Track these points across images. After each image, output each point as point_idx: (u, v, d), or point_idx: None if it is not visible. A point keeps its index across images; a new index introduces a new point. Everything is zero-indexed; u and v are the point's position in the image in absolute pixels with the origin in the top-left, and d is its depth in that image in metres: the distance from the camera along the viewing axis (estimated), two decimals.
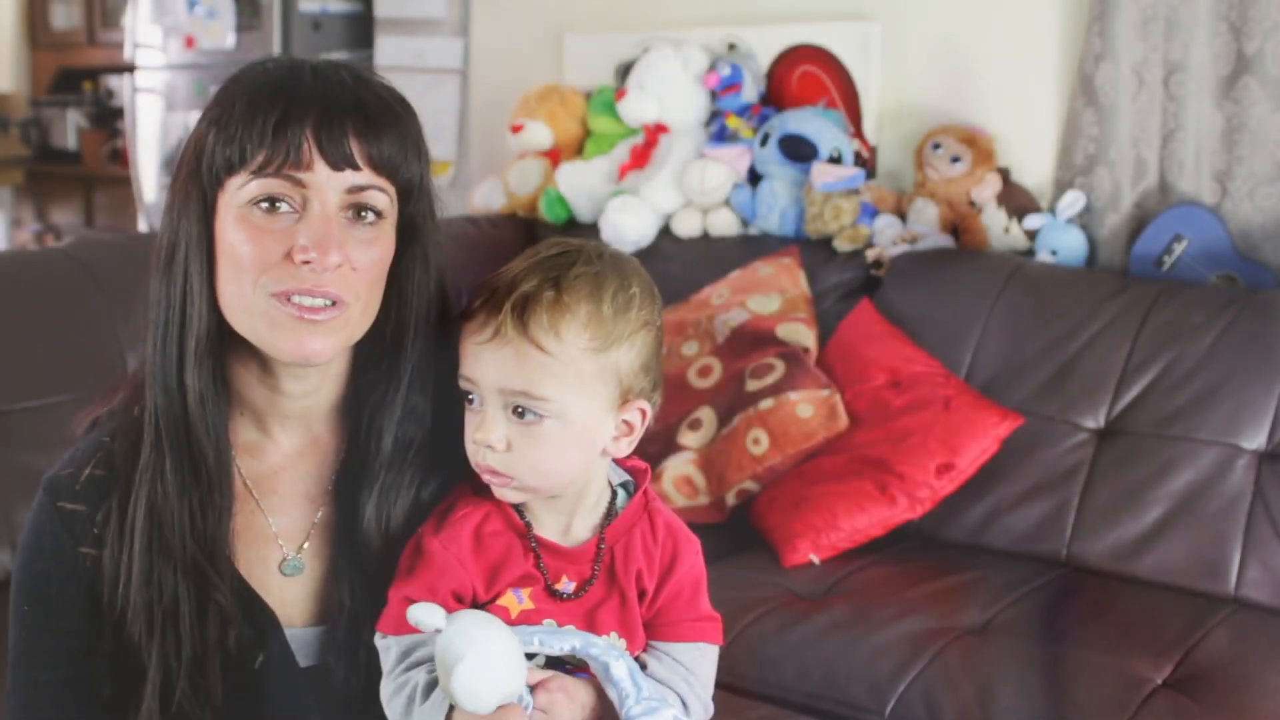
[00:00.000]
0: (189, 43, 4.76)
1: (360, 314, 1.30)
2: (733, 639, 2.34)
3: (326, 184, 1.25)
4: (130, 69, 5.16)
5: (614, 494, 1.34)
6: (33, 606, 1.34)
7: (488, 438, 1.24)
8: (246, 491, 1.38)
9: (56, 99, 6.70)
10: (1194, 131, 2.92)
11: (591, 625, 1.28)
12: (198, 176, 1.28)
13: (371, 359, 1.36)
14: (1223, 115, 2.88)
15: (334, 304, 1.27)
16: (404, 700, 1.24)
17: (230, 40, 4.59)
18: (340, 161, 1.25)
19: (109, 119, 6.45)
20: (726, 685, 2.27)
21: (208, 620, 1.31)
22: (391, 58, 4.30)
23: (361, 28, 4.52)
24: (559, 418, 1.24)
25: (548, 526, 1.30)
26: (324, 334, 1.27)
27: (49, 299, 2.71)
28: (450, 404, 1.33)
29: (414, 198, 1.34)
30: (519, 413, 1.24)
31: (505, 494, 1.26)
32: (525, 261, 1.27)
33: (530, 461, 1.24)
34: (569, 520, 1.30)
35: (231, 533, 1.34)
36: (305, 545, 1.39)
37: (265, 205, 1.26)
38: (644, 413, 1.30)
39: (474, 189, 3.90)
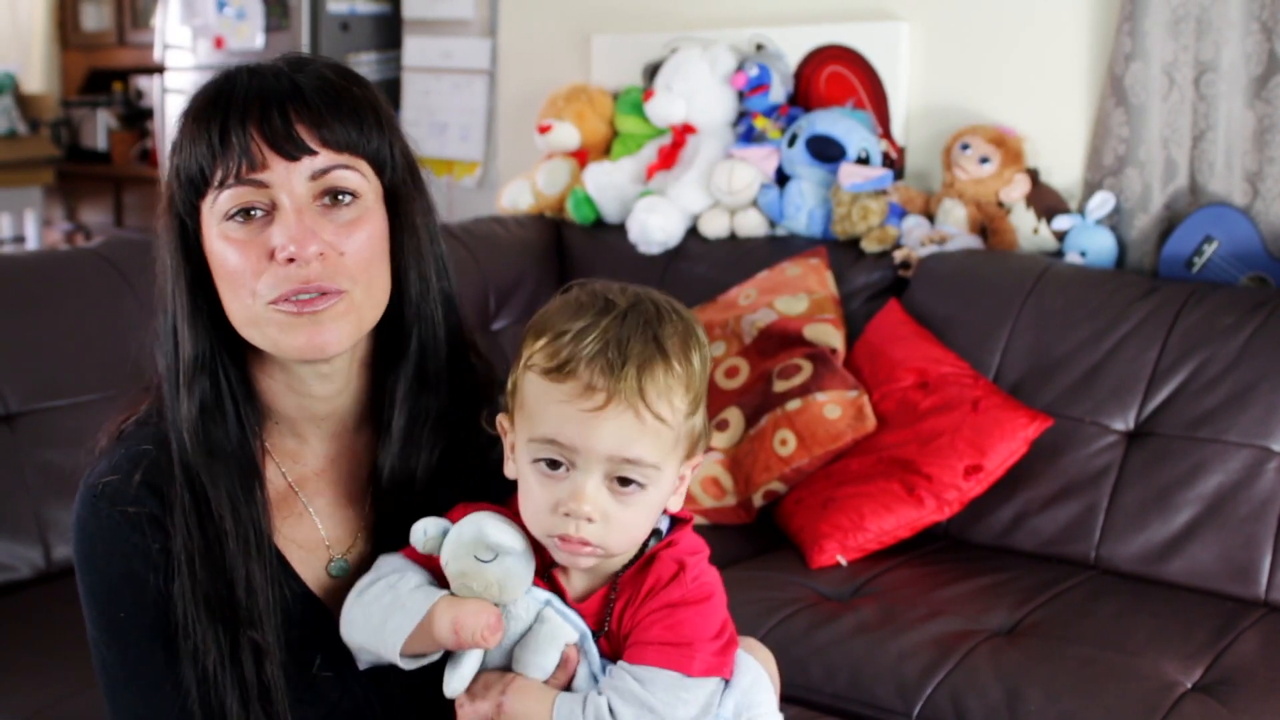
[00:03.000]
0: (218, 43, 4.78)
1: (364, 297, 1.29)
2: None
3: (288, 177, 1.24)
4: (160, 70, 5.19)
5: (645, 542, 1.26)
6: (129, 611, 1.30)
7: (583, 509, 1.16)
8: (294, 494, 1.38)
9: (87, 99, 6.74)
10: (1225, 132, 2.91)
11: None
12: (172, 207, 1.29)
13: (383, 342, 1.35)
14: (1254, 115, 2.87)
15: (327, 294, 1.26)
16: (382, 587, 1.24)
17: (259, 41, 4.61)
18: (293, 151, 1.24)
19: (139, 119, 6.49)
20: None
21: (241, 656, 1.29)
22: (419, 58, 4.31)
23: (390, 28, 4.53)
24: (654, 484, 1.19)
25: (575, 580, 1.24)
26: (331, 322, 1.26)
27: (79, 298, 2.72)
28: (462, 373, 1.33)
29: (389, 168, 1.32)
30: (623, 481, 1.17)
31: (580, 561, 1.20)
32: (603, 316, 1.19)
33: (622, 530, 1.18)
34: (605, 571, 1.24)
35: (271, 534, 1.34)
36: (353, 546, 1.39)
37: (239, 217, 1.25)
38: (696, 467, 1.26)
39: (502, 189, 3.91)
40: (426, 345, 1.35)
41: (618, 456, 1.16)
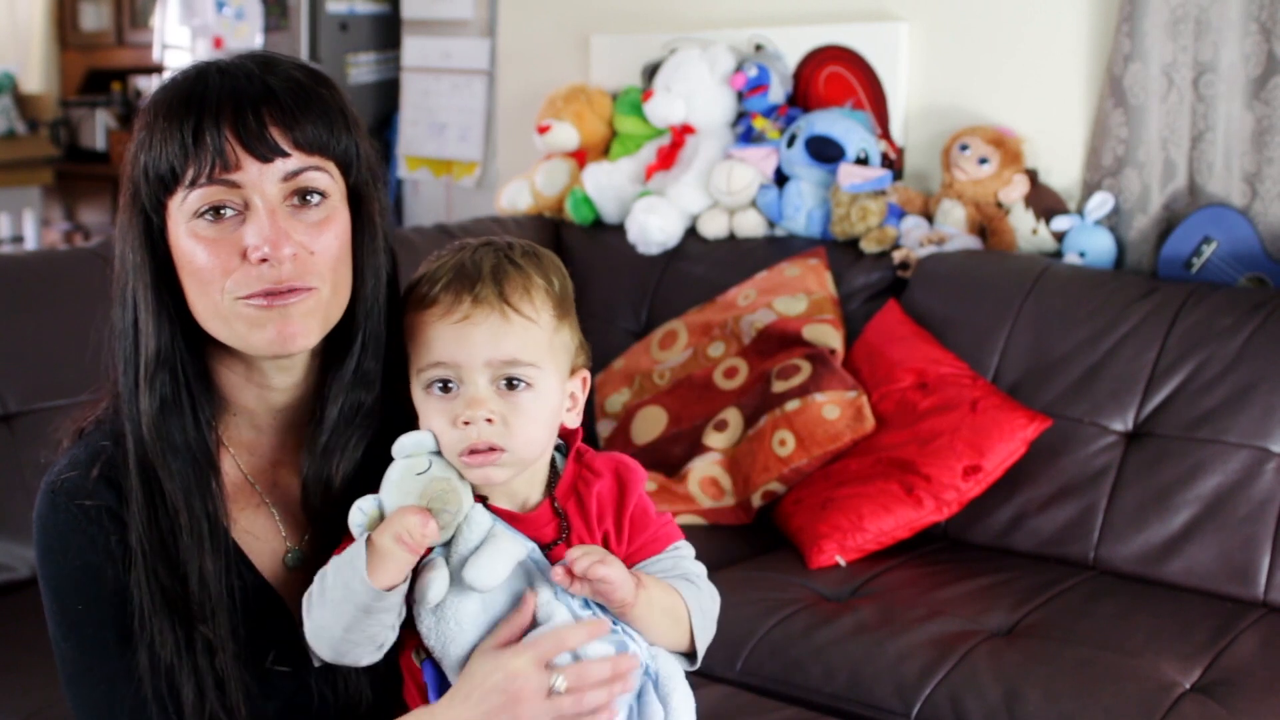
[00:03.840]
0: (217, 43, 4.78)
1: (332, 294, 1.31)
2: (758, 640, 2.34)
3: (260, 178, 1.26)
4: (159, 69, 5.19)
5: (552, 459, 1.37)
6: (86, 603, 1.31)
7: (479, 412, 1.25)
8: (249, 487, 1.39)
9: (85, 99, 6.74)
10: (1224, 133, 2.91)
11: None
12: (137, 201, 1.29)
13: (332, 335, 1.36)
14: (1253, 116, 2.87)
15: (299, 289, 1.27)
16: (321, 574, 1.27)
17: (258, 41, 4.61)
18: (267, 153, 1.25)
19: None
20: (752, 686, 2.28)
21: (195, 648, 1.30)
22: (419, 58, 4.31)
23: (389, 28, 4.53)
24: (539, 385, 1.28)
25: (501, 501, 1.32)
26: (300, 318, 1.28)
27: (78, 298, 2.72)
28: (398, 367, 1.35)
29: (354, 168, 1.34)
30: (510, 384, 1.27)
31: (492, 473, 1.27)
32: (457, 254, 1.31)
33: (522, 431, 1.27)
34: (523, 494, 1.32)
35: (230, 526, 1.35)
36: (306, 537, 1.40)
37: (209, 215, 1.26)
38: (585, 382, 1.36)
39: (501, 190, 3.91)
40: (369, 341, 1.37)
41: (495, 360, 1.26)
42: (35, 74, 6.86)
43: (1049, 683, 2.13)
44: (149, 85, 6.02)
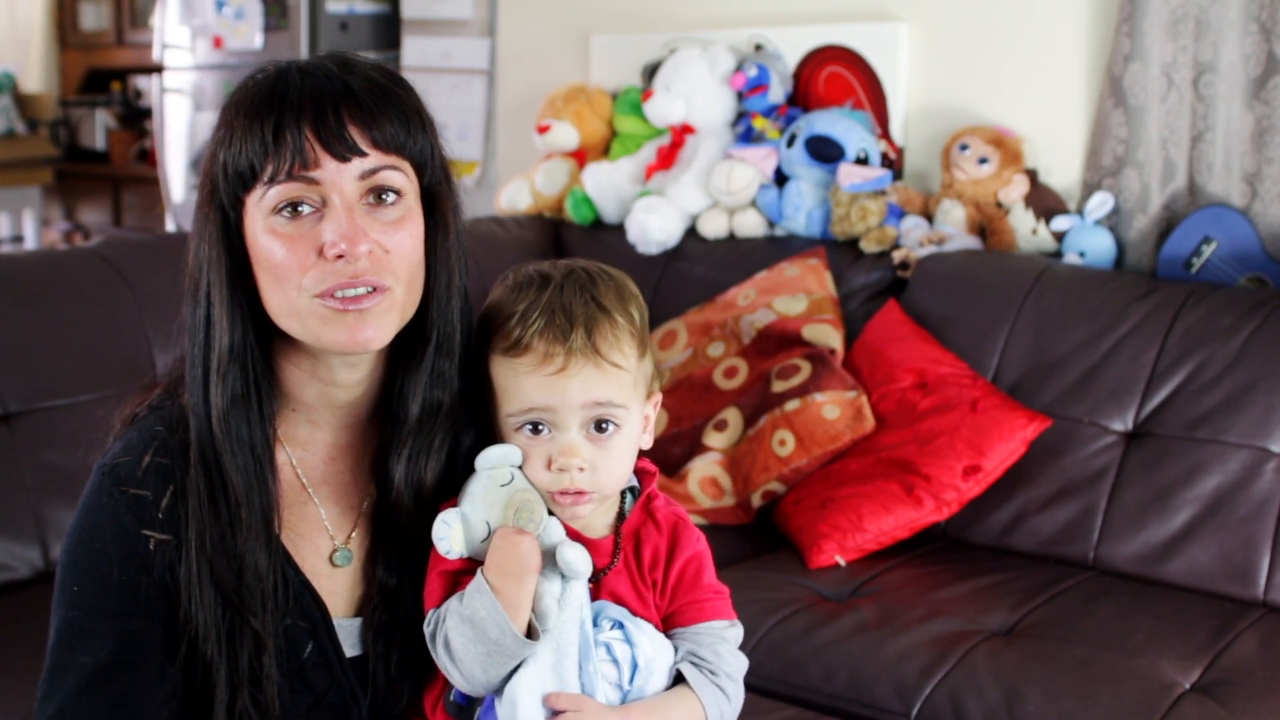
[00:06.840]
0: (217, 43, 4.78)
1: (405, 294, 1.33)
2: (758, 640, 2.34)
3: (338, 176, 1.27)
4: (158, 69, 5.19)
5: (623, 496, 1.40)
6: (84, 587, 1.33)
7: (573, 461, 1.30)
8: (299, 483, 1.41)
9: (85, 99, 6.74)
10: (1224, 133, 2.91)
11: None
12: (215, 198, 1.31)
13: (402, 335, 1.37)
14: (1253, 116, 2.87)
15: (375, 290, 1.29)
16: (440, 620, 1.29)
17: (258, 41, 4.61)
18: (345, 152, 1.27)
19: (137, 119, 6.49)
20: (752, 686, 2.27)
21: (240, 643, 1.32)
22: (418, 58, 4.31)
23: (389, 28, 4.53)
24: (626, 424, 1.33)
25: (571, 522, 1.35)
26: (374, 319, 1.29)
27: (77, 298, 2.72)
28: (475, 365, 1.37)
29: (429, 169, 1.36)
30: (601, 427, 1.31)
31: (580, 511, 1.33)
32: (543, 291, 1.33)
33: (609, 472, 1.32)
34: (588, 519, 1.36)
35: (279, 523, 1.36)
36: (353, 534, 1.41)
37: (287, 212, 1.28)
38: (657, 404, 1.41)
39: (500, 189, 3.91)
40: (443, 343, 1.39)
41: (589, 402, 1.30)
42: (35, 74, 6.86)
43: (1049, 683, 2.13)
44: (149, 85, 6.01)
